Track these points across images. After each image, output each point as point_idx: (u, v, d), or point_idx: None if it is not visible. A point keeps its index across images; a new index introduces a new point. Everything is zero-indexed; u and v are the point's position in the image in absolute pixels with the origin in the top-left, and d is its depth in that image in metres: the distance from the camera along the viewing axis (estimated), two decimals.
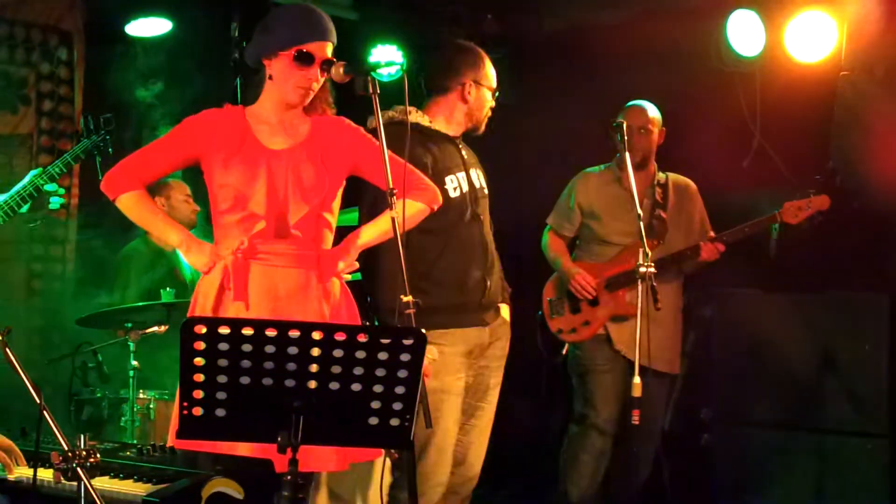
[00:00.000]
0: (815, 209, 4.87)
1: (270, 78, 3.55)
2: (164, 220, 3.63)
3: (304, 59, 3.49)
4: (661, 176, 5.21)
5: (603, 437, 5.10)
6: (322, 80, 3.56)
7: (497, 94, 4.29)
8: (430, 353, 3.98)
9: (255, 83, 3.60)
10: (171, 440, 3.47)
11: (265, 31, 3.57)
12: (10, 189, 4.38)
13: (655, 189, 5.14)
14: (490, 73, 4.27)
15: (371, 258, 3.87)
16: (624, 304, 5.02)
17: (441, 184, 4.07)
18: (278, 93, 3.55)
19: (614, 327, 5.06)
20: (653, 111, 5.13)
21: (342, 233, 4.41)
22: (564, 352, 5.17)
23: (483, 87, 4.23)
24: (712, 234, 5.07)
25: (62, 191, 4.46)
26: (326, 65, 3.53)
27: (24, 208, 4.35)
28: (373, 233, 3.64)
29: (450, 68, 4.22)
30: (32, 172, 4.39)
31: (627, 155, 4.50)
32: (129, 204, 3.57)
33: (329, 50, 3.55)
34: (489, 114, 4.29)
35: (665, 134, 5.16)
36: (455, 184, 4.13)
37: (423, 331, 2.61)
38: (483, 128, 4.29)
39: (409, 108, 3.98)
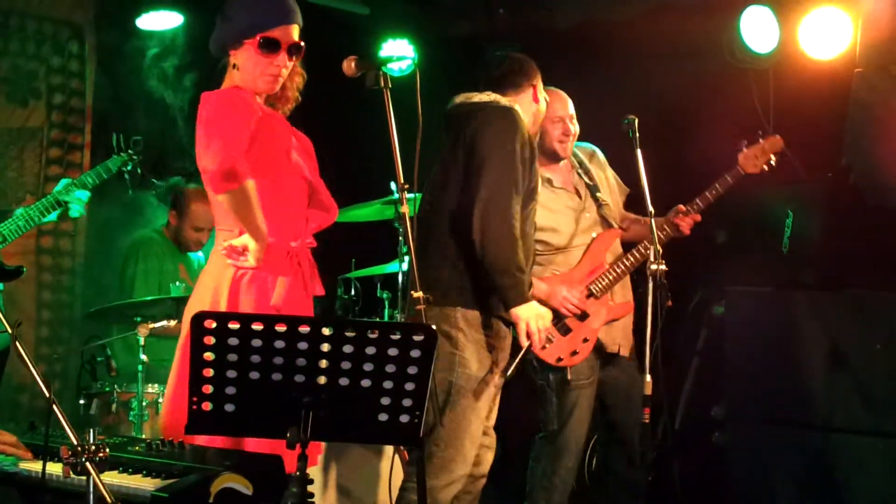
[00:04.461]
0: (769, 152, 4.79)
1: (235, 67, 3.41)
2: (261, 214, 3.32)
3: (270, 47, 3.35)
4: (573, 158, 4.87)
5: (576, 457, 4.80)
6: (290, 65, 3.43)
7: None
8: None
9: (217, 72, 3.47)
10: (164, 428, 3.48)
11: (226, 19, 3.44)
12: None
13: (581, 174, 4.83)
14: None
15: (486, 216, 3.91)
16: (615, 308, 4.71)
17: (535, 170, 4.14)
18: (246, 83, 3.40)
19: (603, 332, 4.70)
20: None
21: (347, 229, 4.37)
22: (569, 377, 4.65)
23: (542, 98, 4.29)
24: (682, 206, 4.77)
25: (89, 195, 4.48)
26: (294, 49, 3.40)
27: (53, 216, 4.37)
28: None
29: (522, 69, 4.26)
30: (63, 182, 4.41)
31: (639, 152, 4.43)
32: (250, 192, 3.24)
33: (296, 33, 3.41)
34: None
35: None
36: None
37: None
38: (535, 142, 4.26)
39: (495, 95, 4.10)
